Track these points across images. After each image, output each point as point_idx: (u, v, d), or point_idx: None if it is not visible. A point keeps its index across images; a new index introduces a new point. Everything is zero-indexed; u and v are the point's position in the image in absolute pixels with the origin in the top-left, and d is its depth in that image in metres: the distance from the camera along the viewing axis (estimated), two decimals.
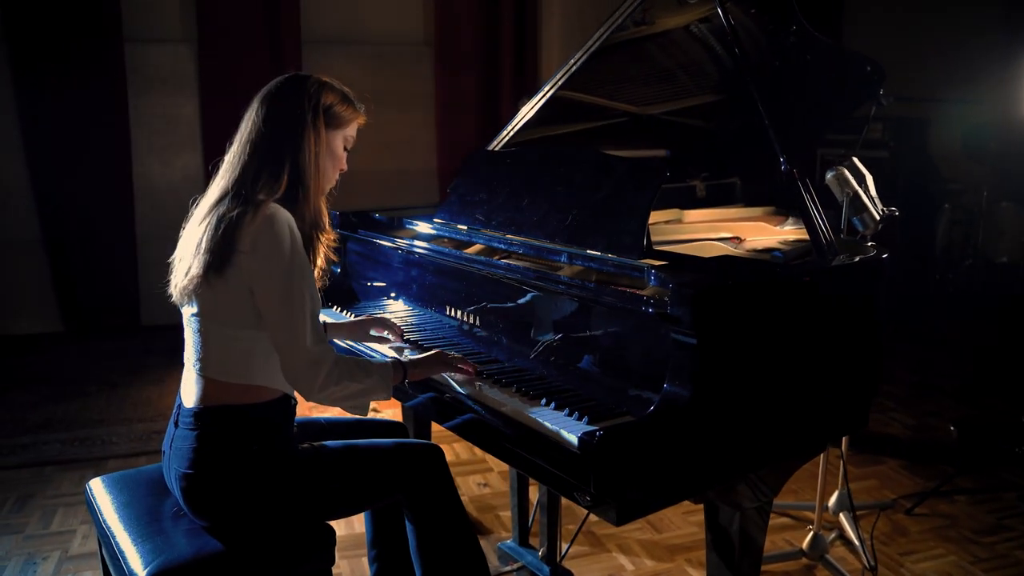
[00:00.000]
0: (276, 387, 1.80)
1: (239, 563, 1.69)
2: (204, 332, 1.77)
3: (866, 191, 2.46)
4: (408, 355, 2.04)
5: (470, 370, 1.90)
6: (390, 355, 2.09)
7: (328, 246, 1.90)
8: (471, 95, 5.89)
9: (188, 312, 1.80)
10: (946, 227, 6.18)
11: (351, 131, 1.93)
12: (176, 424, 1.80)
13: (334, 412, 4.09)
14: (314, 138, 1.81)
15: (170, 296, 1.80)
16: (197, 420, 1.74)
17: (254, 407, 1.76)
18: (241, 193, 1.73)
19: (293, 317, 1.70)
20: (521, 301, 1.98)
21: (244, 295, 1.72)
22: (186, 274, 1.73)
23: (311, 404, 4.16)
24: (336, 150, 1.90)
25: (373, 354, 2.14)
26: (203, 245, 1.70)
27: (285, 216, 1.73)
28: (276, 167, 1.77)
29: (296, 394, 1.84)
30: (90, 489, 1.95)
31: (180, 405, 1.81)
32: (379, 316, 2.31)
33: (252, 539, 1.74)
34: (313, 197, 1.82)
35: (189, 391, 1.79)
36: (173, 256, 1.82)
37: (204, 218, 1.75)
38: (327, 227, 1.89)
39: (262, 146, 1.77)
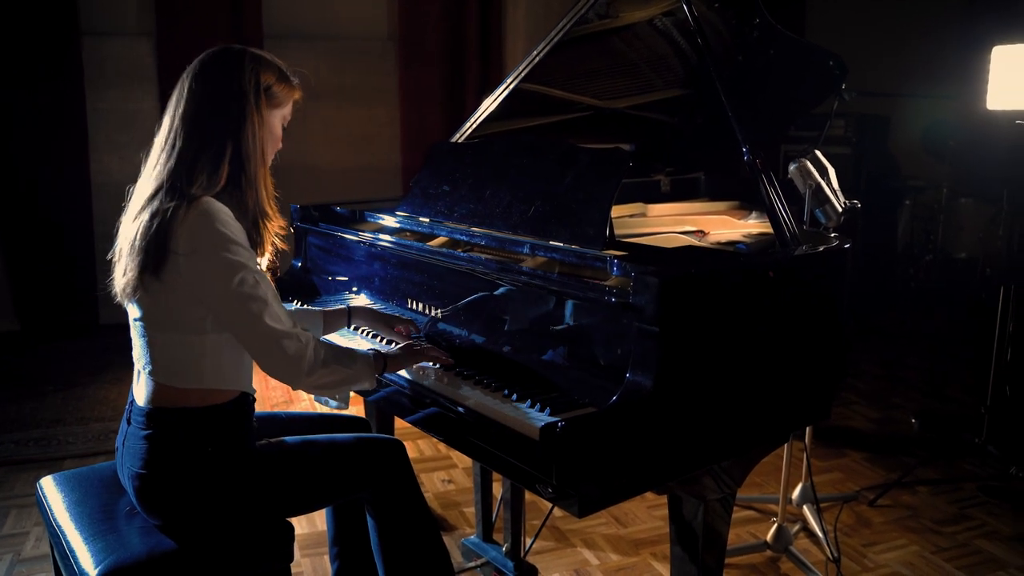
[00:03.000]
0: (231, 387, 1.73)
1: (194, 562, 1.65)
2: (150, 338, 1.70)
3: (828, 183, 2.46)
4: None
5: (443, 358, 1.87)
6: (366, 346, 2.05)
7: (276, 234, 1.81)
8: (436, 90, 5.85)
9: (132, 314, 1.73)
10: (907, 223, 6.25)
11: (289, 108, 1.85)
12: (129, 421, 1.74)
13: (295, 407, 4.05)
14: (258, 122, 1.72)
15: (114, 295, 1.72)
16: (149, 420, 1.69)
17: (208, 409, 1.70)
18: (177, 186, 1.64)
19: (256, 312, 1.64)
20: (484, 293, 1.96)
21: (187, 299, 1.64)
22: (123, 274, 1.66)
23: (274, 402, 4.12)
24: (276, 130, 1.82)
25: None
26: (136, 244, 1.62)
27: (220, 209, 1.64)
28: (216, 155, 1.67)
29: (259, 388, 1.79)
30: (41, 488, 1.90)
31: (132, 402, 1.76)
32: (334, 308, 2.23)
33: (208, 537, 1.69)
34: (257, 183, 1.73)
35: (140, 390, 1.73)
36: (112, 251, 1.73)
37: (138, 214, 1.66)
38: (274, 214, 1.80)
39: (199, 132, 1.67)
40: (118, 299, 1.72)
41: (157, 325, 1.69)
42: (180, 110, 1.69)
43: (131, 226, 1.66)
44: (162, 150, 1.69)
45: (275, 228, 1.80)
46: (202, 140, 1.67)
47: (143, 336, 1.71)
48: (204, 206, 1.63)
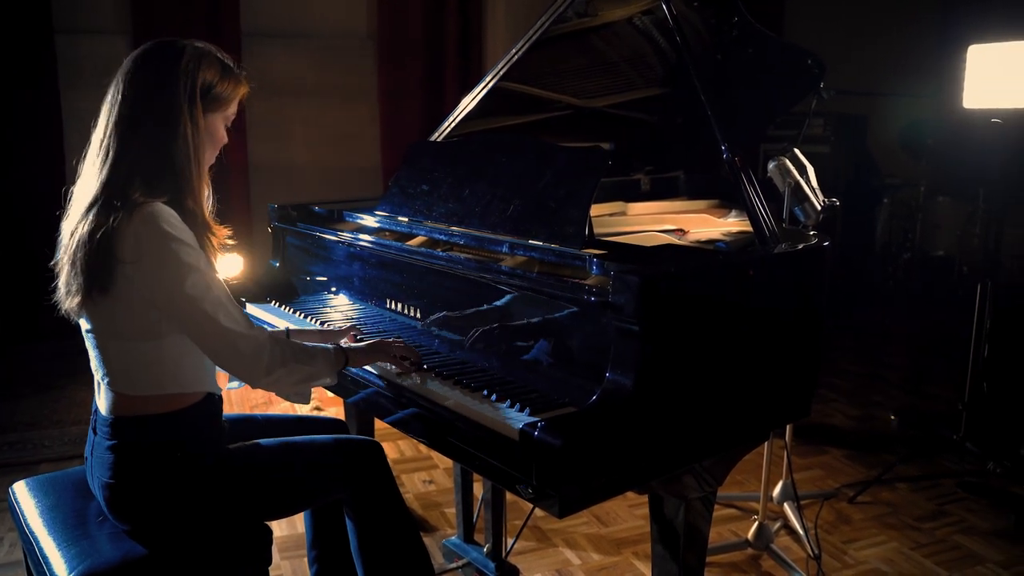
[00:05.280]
0: (195, 390, 1.69)
1: (169, 567, 1.63)
2: (104, 349, 1.64)
3: (807, 181, 2.47)
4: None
5: (411, 358, 1.84)
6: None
7: (219, 244, 1.71)
8: (416, 89, 5.82)
9: (83, 326, 1.67)
10: (885, 221, 6.30)
11: (233, 108, 1.75)
12: (95, 431, 1.70)
13: (274, 408, 4.02)
14: (192, 130, 1.62)
15: (59, 303, 1.64)
16: (114, 430, 1.65)
17: (173, 415, 1.66)
18: (115, 197, 1.55)
19: (211, 313, 1.59)
20: (463, 293, 1.95)
21: (138, 307, 1.58)
22: (67, 293, 1.59)
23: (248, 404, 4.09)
24: (217, 133, 1.72)
25: None
26: (79, 263, 1.55)
27: (164, 211, 1.57)
28: (150, 165, 1.59)
29: (224, 389, 1.76)
30: (13, 493, 1.87)
31: (96, 411, 1.72)
32: (333, 328, 2.17)
33: (182, 543, 1.66)
34: (195, 193, 1.65)
35: (102, 400, 1.68)
36: (55, 259, 1.65)
37: (76, 227, 1.57)
38: (213, 224, 1.70)
39: (131, 139, 1.59)
40: (64, 311, 1.65)
41: (110, 335, 1.63)
42: (113, 113, 1.61)
43: (70, 240, 1.59)
44: (97, 155, 1.61)
45: (217, 241, 1.70)
46: (135, 148, 1.59)
47: (96, 348, 1.66)
48: (148, 209, 1.55)
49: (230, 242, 1.77)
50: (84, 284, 1.55)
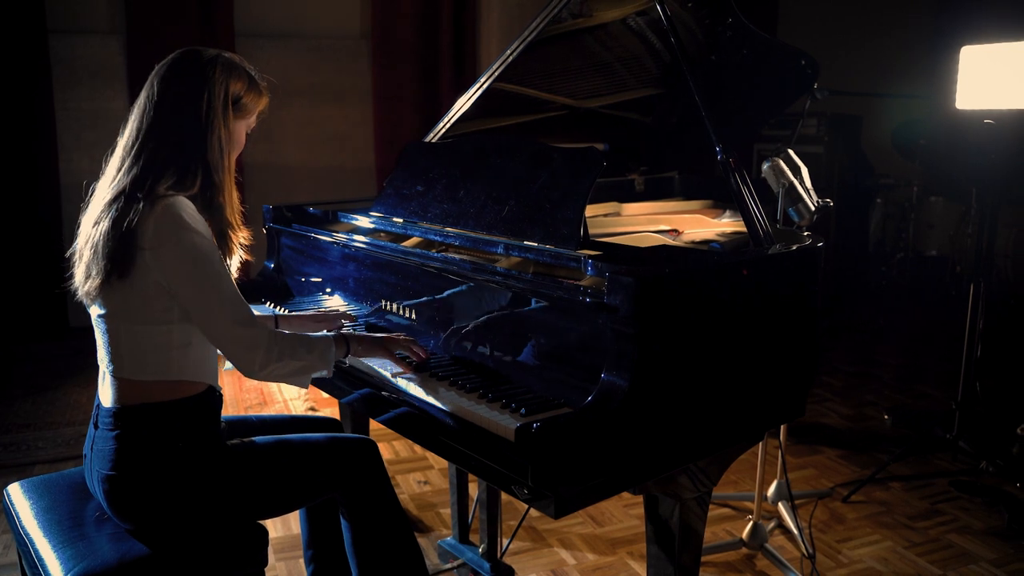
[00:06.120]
0: (197, 380, 1.73)
1: (166, 567, 1.63)
2: (113, 332, 1.69)
3: (801, 182, 2.48)
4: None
5: (419, 355, 1.86)
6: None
7: (241, 244, 1.82)
8: (409, 90, 5.83)
9: (95, 312, 1.72)
10: (879, 221, 6.32)
11: (255, 118, 1.86)
12: (96, 425, 1.72)
13: (268, 409, 4.02)
14: (224, 134, 1.74)
15: (74, 290, 1.72)
16: (116, 420, 1.67)
17: (175, 403, 1.70)
18: (141, 191, 1.64)
19: (215, 304, 1.66)
20: (458, 294, 1.95)
21: (153, 291, 1.65)
22: (87, 277, 1.66)
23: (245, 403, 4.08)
24: (240, 138, 1.83)
25: None
26: (100, 250, 1.62)
27: (184, 203, 1.66)
28: (182, 167, 1.68)
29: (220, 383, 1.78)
30: (8, 495, 1.86)
31: (99, 405, 1.74)
32: (327, 311, 2.24)
33: (179, 542, 1.67)
34: (224, 193, 1.75)
35: (106, 391, 1.72)
36: (72, 248, 1.72)
37: (99, 217, 1.65)
38: (239, 226, 1.81)
39: (165, 141, 1.68)
40: (79, 298, 1.72)
41: (122, 318, 1.68)
42: (147, 116, 1.69)
43: (93, 229, 1.66)
44: (128, 155, 1.69)
45: (239, 239, 1.82)
46: (168, 150, 1.68)
47: (107, 332, 1.70)
48: (169, 201, 1.64)
49: (246, 241, 1.85)
50: (105, 268, 1.62)
